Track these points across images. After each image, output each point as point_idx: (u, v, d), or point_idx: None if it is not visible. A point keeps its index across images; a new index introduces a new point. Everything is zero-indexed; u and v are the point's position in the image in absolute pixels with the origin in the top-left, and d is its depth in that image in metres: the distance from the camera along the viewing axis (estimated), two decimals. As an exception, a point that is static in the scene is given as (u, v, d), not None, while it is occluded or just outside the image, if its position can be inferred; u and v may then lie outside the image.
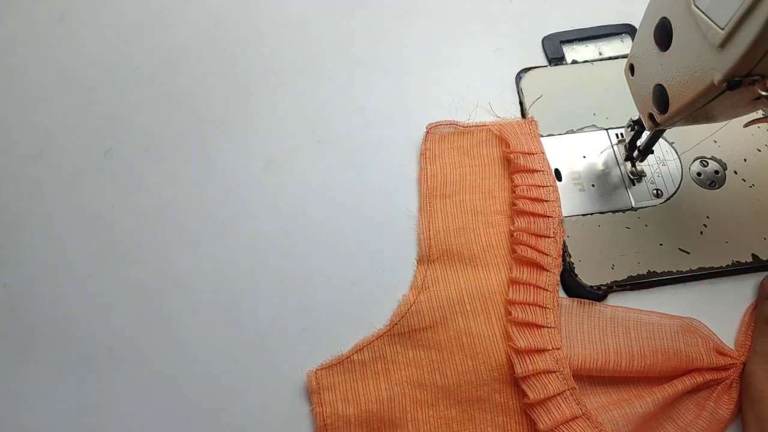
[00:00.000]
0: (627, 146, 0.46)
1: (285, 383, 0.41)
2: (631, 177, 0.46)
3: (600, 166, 0.47)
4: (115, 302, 0.44)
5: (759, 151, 0.47)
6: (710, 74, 0.30)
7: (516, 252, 0.42)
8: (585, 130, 0.48)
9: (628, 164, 0.46)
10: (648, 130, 0.41)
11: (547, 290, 0.41)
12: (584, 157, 0.47)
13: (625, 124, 0.45)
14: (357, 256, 0.45)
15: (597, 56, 0.52)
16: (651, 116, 0.38)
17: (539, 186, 0.44)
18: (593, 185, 0.46)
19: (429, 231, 0.45)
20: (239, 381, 0.41)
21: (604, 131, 0.48)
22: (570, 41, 0.53)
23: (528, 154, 0.46)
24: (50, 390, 0.41)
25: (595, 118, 0.49)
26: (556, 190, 0.44)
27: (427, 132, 0.49)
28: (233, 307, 0.43)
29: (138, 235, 0.46)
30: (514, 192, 0.45)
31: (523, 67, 0.52)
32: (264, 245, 0.45)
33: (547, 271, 0.41)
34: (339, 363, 0.40)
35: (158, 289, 0.44)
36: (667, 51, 0.33)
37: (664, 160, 0.47)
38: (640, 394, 0.38)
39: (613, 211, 0.45)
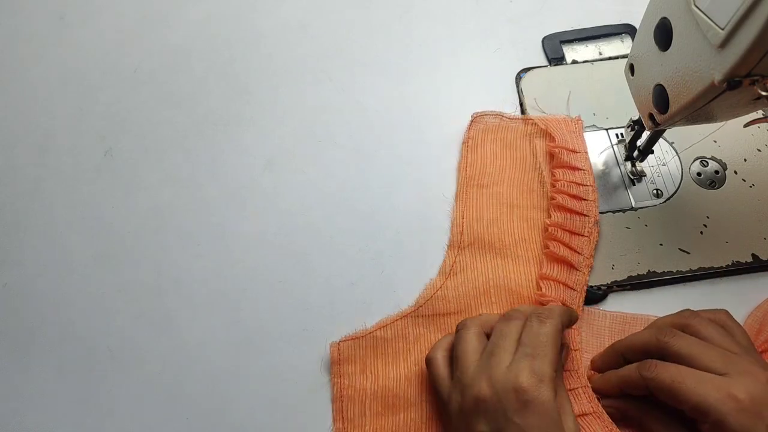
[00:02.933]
0: (627, 146, 0.46)
1: (285, 383, 0.41)
2: (631, 177, 0.46)
3: (600, 166, 0.47)
4: (115, 302, 0.44)
5: (759, 151, 0.47)
6: (710, 74, 0.30)
7: (549, 248, 0.42)
8: (585, 130, 0.48)
9: (628, 164, 0.46)
10: (648, 130, 0.41)
11: (575, 290, 0.41)
12: (584, 157, 0.47)
13: (625, 124, 0.45)
14: (357, 255, 0.45)
15: (597, 56, 0.52)
16: (651, 116, 0.38)
17: (579, 184, 0.44)
18: (593, 185, 0.46)
19: (463, 218, 0.45)
20: (239, 381, 0.41)
21: (604, 131, 0.48)
22: (570, 41, 0.53)
23: (572, 151, 0.46)
24: (50, 390, 0.41)
25: (595, 118, 0.49)
26: (595, 191, 0.44)
27: (472, 120, 0.49)
28: (233, 307, 0.43)
29: (138, 235, 0.46)
30: (554, 186, 0.44)
31: (523, 67, 0.52)
32: (264, 245, 0.45)
33: (578, 270, 0.41)
34: (362, 337, 0.41)
35: (158, 289, 0.44)
36: (667, 51, 0.33)
37: (664, 160, 0.47)
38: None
39: (613, 211, 0.45)
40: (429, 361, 0.38)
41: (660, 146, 0.47)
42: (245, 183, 0.48)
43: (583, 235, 0.42)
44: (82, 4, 0.58)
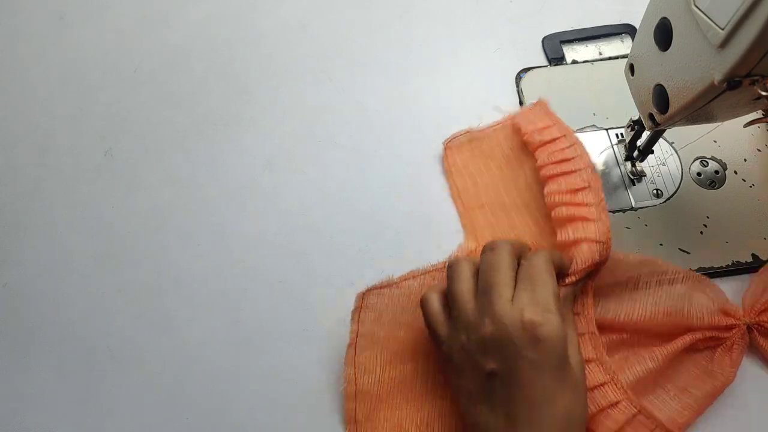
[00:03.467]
0: (627, 146, 0.46)
1: (285, 383, 0.41)
2: (631, 177, 0.46)
3: (600, 166, 0.47)
4: (115, 302, 0.44)
5: (759, 151, 0.47)
6: (710, 74, 0.30)
7: (553, 216, 0.40)
8: (585, 130, 0.48)
9: (628, 164, 0.46)
10: (648, 130, 0.41)
11: (601, 242, 0.37)
12: (584, 157, 0.47)
13: (625, 124, 0.45)
14: (357, 256, 0.45)
15: (597, 56, 0.52)
16: (651, 116, 0.38)
17: (562, 149, 0.42)
18: (593, 185, 0.46)
19: (477, 243, 0.44)
20: (239, 381, 0.41)
21: (604, 131, 0.48)
22: (570, 41, 0.53)
23: (543, 128, 0.44)
24: (50, 390, 0.41)
25: (595, 118, 0.49)
26: (581, 145, 0.42)
27: (445, 148, 0.48)
28: (233, 307, 0.43)
29: (138, 235, 0.46)
30: (540, 167, 0.43)
31: (523, 67, 0.52)
32: (264, 245, 0.45)
33: (593, 220, 0.38)
34: (387, 286, 0.41)
35: (158, 289, 0.44)
36: (667, 51, 0.33)
37: (664, 160, 0.47)
38: (639, 351, 0.38)
39: (613, 211, 0.45)
40: (423, 302, 0.37)
41: (660, 146, 0.47)
42: (245, 183, 0.48)
43: (584, 188, 0.40)
44: (82, 4, 0.58)
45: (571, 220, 0.39)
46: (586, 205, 0.39)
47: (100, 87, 0.53)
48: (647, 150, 0.44)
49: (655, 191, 0.46)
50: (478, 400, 0.33)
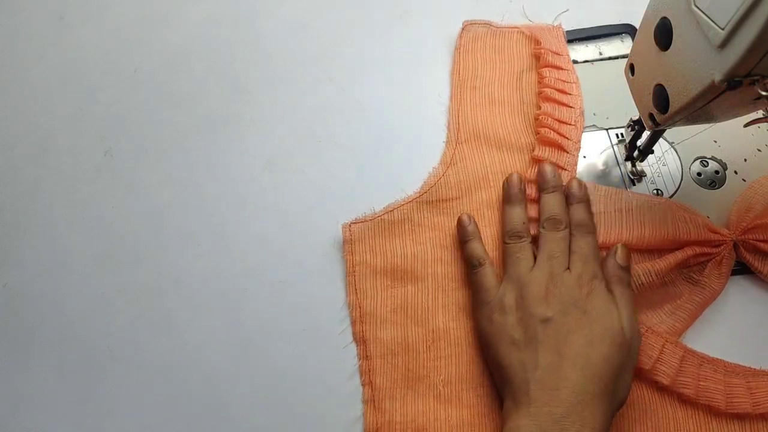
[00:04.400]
0: (627, 146, 0.46)
1: (285, 383, 0.41)
2: (632, 177, 0.46)
3: (600, 166, 0.47)
4: (115, 302, 0.44)
5: (759, 151, 0.47)
6: (710, 74, 0.30)
7: (540, 133, 0.45)
8: (585, 130, 0.48)
9: (628, 164, 0.46)
10: (648, 130, 0.41)
11: (565, 170, 0.44)
12: (584, 157, 0.47)
13: (625, 124, 0.45)
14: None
15: (597, 56, 0.52)
16: (651, 116, 0.38)
17: (565, 81, 0.48)
18: (593, 185, 0.46)
19: (458, 116, 0.49)
20: (239, 381, 0.41)
21: (604, 131, 0.48)
22: (570, 41, 0.53)
23: (555, 53, 0.50)
24: (50, 390, 0.41)
25: (595, 118, 0.49)
26: (578, 87, 0.48)
27: (463, 28, 0.53)
28: (233, 307, 0.43)
29: (138, 235, 0.46)
30: (542, 82, 0.48)
31: (523, 67, 0.52)
32: (264, 245, 0.45)
33: (568, 152, 0.45)
34: (371, 220, 0.44)
35: (158, 289, 0.44)
36: (667, 51, 0.34)
37: (664, 160, 0.47)
38: (633, 268, 0.40)
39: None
40: (474, 260, 0.41)
41: (660, 146, 0.47)
42: (245, 183, 0.48)
43: (570, 124, 0.46)
44: (82, 4, 0.58)
45: (550, 143, 0.45)
46: (568, 138, 0.45)
47: (100, 87, 0.53)
48: (647, 150, 0.44)
49: (655, 191, 0.46)
50: (522, 343, 0.36)
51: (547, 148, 0.45)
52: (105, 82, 0.53)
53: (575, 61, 0.52)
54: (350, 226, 0.44)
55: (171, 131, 0.51)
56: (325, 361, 0.41)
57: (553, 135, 0.45)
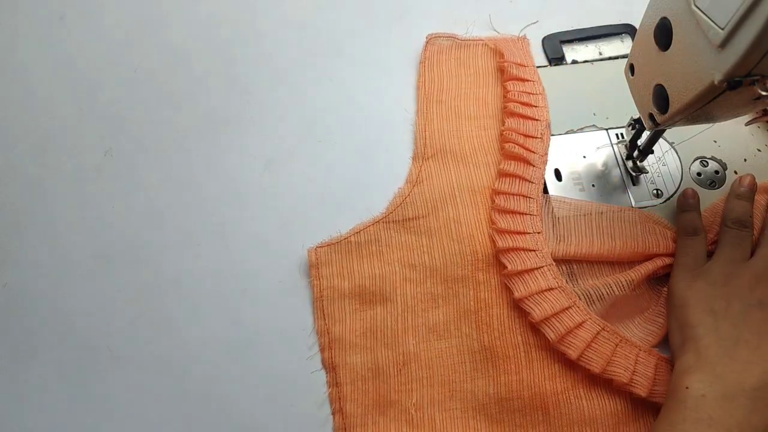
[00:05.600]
0: (627, 145, 0.46)
1: (285, 383, 0.41)
2: (633, 174, 0.46)
3: (600, 166, 0.47)
4: (115, 302, 0.44)
5: (759, 151, 0.47)
6: (710, 74, 0.30)
7: (505, 148, 0.45)
8: (585, 130, 0.48)
9: (629, 162, 0.46)
10: (648, 130, 0.41)
11: (532, 182, 0.44)
12: (584, 157, 0.47)
13: (625, 123, 0.45)
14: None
15: (597, 56, 0.52)
16: (651, 116, 0.38)
17: (530, 93, 0.48)
18: (593, 185, 0.46)
19: (425, 131, 0.48)
20: (239, 381, 0.41)
21: (604, 131, 0.48)
22: (570, 41, 0.53)
23: (520, 65, 0.50)
24: (50, 390, 0.41)
25: (595, 118, 0.49)
26: (544, 98, 0.48)
27: (427, 42, 0.53)
28: (233, 307, 0.43)
29: (138, 235, 0.46)
30: (506, 96, 0.48)
31: (523, 67, 0.52)
32: (264, 245, 0.45)
33: (533, 166, 0.45)
34: (337, 243, 0.44)
35: (158, 289, 0.44)
36: (667, 51, 0.33)
37: (664, 160, 0.47)
38: (605, 280, 0.40)
39: (613, 211, 0.45)
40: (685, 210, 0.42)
41: (660, 146, 0.47)
42: (245, 183, 0.48)
43: (536, 137, 0.46)
44: (82, 4, 0.58)
45: (516, 158, 0.45)
46: (534, 152, 0.45)
47: (100, 87, 0.53)
48: (647, 150, 0.44)
49: (655, 191, 0.46)
50: (721, 317, 0.36)
51: (513, 162, 0.45)
52: (105, 82, 0.53)
53: (575, 61, 0.52)
54: (316, 249, 0.44)
55: (171, 131, 0.51)
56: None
57: (518, 149, 0.45)
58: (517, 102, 0.47)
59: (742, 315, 0.36)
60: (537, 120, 0.47)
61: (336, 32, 0.55)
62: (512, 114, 0.47)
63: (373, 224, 0.44)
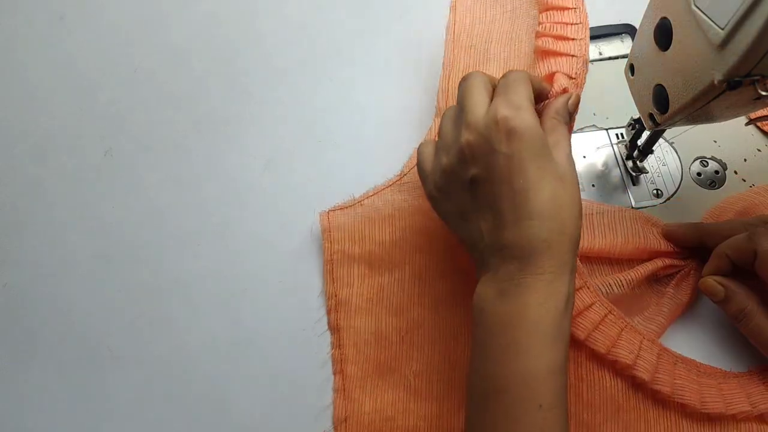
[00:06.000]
0: (627, 145, 0.46)
1: (285, 383, 0.41)
2: (634, 173, 0.46)
3: (600, 166, 0.47)
4: (115, 302, 0.44)
5: (759, 151, 0.47)
6: (710, 74, 0.30)
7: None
8: (585, 130, 0.48)
9: (629, 162, 0.46)
10: (648, 130, 0.41)
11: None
12: (584, 157, 0.47)
13: (625, 123, 0.45)
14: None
15: (597, 56, 0.52)
16: (651, 116, 0.38)
17: (566, 23, 0.41)
18: (593, 185, 0.46)
19: (449, 83, 0.45)
20: (239, 381, 0.41)
21: (604, 131, 0.48)
22: (570, 41, 0.53)
23: None
24: (50, 390, 0.41)
25: (595, 118, 0.49)
26: (586, 28, 0.40)
27: None
28: (233, 307, 0.43)
29: (138, 235, 0.46)
30: (538, 32, 0.42)
31: (523, 67, 0.52)
32: (264, 245, 0.45)
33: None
34: (350, 206, 0.43)
35: (158, 289, 0.44)
36: (667, 51, 0.34)
37: (664, 160, 0.47)
38: (605, 279, 0.40)
39: (613, 211, 0.45)
40: (418, 153, 0.38)
41: (660, 146, 0.47)
42: (245, 183, 0.48)
43: (570, 77, 0.39)
44: (82, 4, 0.58)
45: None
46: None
47: (100, 87, 0.53)
48: (647, 150, 0.44)
49: (655, 191, 0.46)
50: (467, 213, 0.33)
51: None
52: (105, 82, 0.53)
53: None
54: (328, 213, 0.43)
55: (171, 131, 0.51)
56: (324, 361, 0.41)
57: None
58: (548, 36, 0.40)
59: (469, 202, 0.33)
60: (572, 56, 0.39)
61: (336, 32, 0.55)
62: (544, 54, 0.40)
63: (386, 187, 0.44)
